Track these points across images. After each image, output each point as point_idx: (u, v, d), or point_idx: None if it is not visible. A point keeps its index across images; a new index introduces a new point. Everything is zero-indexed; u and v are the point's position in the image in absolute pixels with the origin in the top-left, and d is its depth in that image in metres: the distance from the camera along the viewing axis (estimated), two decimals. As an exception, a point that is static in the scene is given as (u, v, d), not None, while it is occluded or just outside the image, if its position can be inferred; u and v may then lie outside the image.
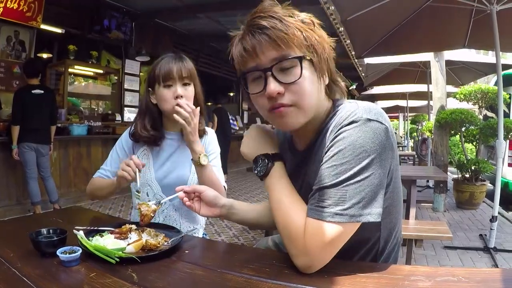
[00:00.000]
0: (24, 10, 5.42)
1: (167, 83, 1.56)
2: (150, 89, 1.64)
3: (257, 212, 1.33)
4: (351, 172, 0.87)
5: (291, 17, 0.93)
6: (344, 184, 0.87)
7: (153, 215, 1.26)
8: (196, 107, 1.53)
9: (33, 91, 4.65)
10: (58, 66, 6.92)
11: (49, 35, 6.48)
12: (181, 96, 1.55)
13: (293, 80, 0.92)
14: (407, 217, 3.87)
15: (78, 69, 7.15)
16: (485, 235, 4.20)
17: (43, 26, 5.87)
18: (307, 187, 1.00)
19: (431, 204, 5.70)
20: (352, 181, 0.87)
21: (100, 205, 5.65)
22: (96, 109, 8.12)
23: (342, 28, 6.89)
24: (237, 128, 10.73)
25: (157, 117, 1.67)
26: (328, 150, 0.92)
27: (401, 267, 0.97)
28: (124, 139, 1.73)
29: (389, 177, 0.94)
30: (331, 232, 0.87)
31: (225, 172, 8.75)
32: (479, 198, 5.73)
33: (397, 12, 4.53)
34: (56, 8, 6.04)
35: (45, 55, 6.71)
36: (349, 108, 0.94)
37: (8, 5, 5.18)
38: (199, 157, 1.49)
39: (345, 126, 0.90)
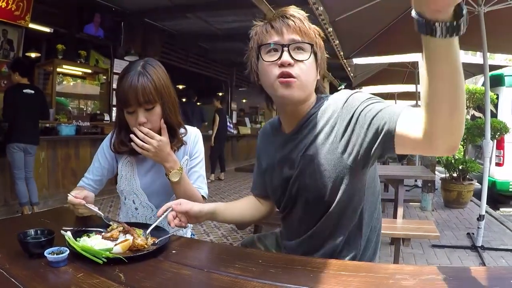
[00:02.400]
0: (13, 9, 5.36)
1: (127, 109, 1.46)
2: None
3: (239, 209, 1.47)
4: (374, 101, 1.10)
5: (310, 23, 1.21)
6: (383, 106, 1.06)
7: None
8: (166, 123, 1.51)
9: (24, 91, 4.61)
10: (46, 66, 6.84)
11: (37, 34, 6.41)
12: (145, 122, 1.46)
13: (302, 59, 1.14)
14: (394, 216, 3.91)
15: (67, 68, 7.07)
16: (473, 233, 4.25)
17: (31, 25, 5.80)
18: (304, 161, 1.19)
19: (419, 203, 5.76)
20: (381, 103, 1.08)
21: (111, 204, 5.66)
22: (84, 109, 8.05)
23: (331, 29, 6.94)
24: (233, 130, 10.71)
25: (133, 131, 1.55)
26: (353, 113, 1.10)
27: (386, 265, 1.00)
28: (106, 147, 1.66)
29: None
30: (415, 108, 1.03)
31: (222, 170, 8.78)
32: (466, 197, 5.81)
33: (385, 13, 4.56)
34: (44, 7, 5.98)
35: (33, 54, 6.64)
36: (336, 94, 1.21)
37: (-4, 4, 5.12)
38: (169, 174, 1.47)
39: (349, 96, 1.14)
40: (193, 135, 1.68)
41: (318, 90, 1.26)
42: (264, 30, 1.19)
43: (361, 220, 1.21)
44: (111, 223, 1.31)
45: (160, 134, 1.50)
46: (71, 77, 7.57)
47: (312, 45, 1.16)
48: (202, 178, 1.67)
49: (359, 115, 1.07)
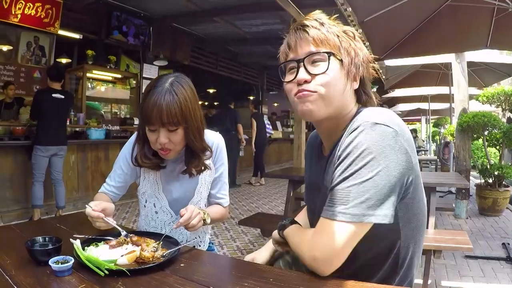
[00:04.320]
0: (42, 17, 5.54)
1: (150, 127, 1.40)
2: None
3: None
4: (354, 173, 0.91)
5: (335, 26, 1.07)
6: (349, 185, 0.91)
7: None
8: (189, 147, 1.48)
9: (53, 95, 4.75)
10: (76, 71, 7.05)
11: (68, 40, 6.61)
12: (165, 143, 1.39)
13: (319, 72, 1.02)
14: (426, 226, 3.73)
15: (96, 73, 7.26)
16: (508, 244, 4.05)
17: (60, 32, 5.98)
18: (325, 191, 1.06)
19: (453, 211, 5.52)
20: (356, 182, 0.90)
21: (128, 210, 5.70)
22: (118, 113, 8.22)
23: (360, 30, 6.79)
24: (272, 132, 10.65)
25: None
26: (339, 154, 0.97)
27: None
28: (128, 153, 1.60)
29: (406, 185, 0.94)
30: (335, 230, 0.91)
31: (261, 174, 8.74)
32: (502, 204, 5.52)
33: (416, 13, 4.41)
34: (73, 14, 6.17)
35: (64, 60, 6.84)
36: (363, 113, 0.98)
37: (26, 12, 5.30)
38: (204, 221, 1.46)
39: (353, 131, 0.95)
40: (215, 143, 1.63)
41: (360, 99, 1.11)
42: (283, 49, 1.11)
43: (396, 260, 1.03)
44: (123, 233, 1.26)
45: (181, 154, 1.52)
46: (101, 82, 7.76)
47: (330, 54, 1.02)
48: (225, 186, 1.67)
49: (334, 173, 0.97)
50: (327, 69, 1.02)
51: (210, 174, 1.62)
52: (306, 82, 1.03)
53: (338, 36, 1.05)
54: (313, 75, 1.03)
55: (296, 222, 1.19)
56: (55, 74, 4.84)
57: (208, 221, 1.47)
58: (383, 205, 0.89)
